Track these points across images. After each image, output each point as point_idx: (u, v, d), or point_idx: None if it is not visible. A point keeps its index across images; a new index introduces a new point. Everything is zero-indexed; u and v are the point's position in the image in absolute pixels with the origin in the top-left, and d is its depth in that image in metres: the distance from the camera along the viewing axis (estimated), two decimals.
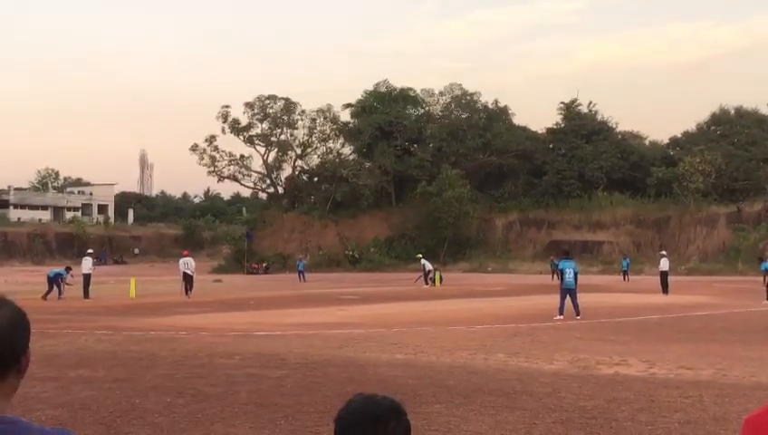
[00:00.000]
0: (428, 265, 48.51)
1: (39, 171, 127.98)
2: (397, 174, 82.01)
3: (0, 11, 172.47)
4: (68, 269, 35.87)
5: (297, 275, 56.85)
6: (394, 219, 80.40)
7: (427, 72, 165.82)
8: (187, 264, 35.74)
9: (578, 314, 23.23)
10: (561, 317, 23.16)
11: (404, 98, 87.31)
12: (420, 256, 52.45)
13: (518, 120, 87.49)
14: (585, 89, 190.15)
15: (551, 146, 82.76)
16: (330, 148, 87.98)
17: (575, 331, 19.86)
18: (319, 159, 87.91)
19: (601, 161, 77.68)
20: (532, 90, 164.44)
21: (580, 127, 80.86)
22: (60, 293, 33.79)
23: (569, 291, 23.79)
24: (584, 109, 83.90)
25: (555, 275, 50.62)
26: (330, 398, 10.19)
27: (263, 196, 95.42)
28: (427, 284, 46.73)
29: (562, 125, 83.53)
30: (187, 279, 35.26)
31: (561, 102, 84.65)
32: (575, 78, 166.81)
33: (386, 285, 46.73)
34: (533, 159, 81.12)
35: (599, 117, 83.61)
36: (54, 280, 34.22)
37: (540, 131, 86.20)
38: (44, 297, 33.00)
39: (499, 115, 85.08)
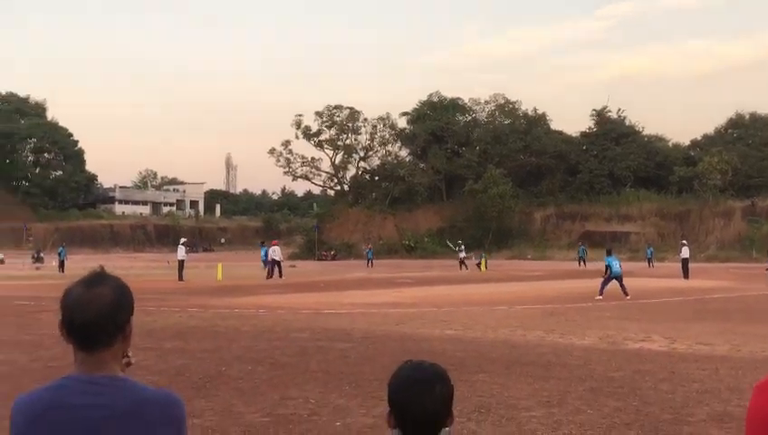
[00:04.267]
0: (463, 253, 49.06)
1: (140, 172, 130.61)
2: (447, 173, 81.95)
3: (108, 33, 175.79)
4: (262, 244, 37.25)
5: (366, 262, 57.10)
6: (445, 213, 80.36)
7: (473, 83, 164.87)
8: (276, 251, 36.56)
9: (627, 295, 23.13)
10: (601, 297, 23.13)
11: (453, 106, 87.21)
12: (461, 242, 52.72)
13: (555, 125, 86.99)
14: (615, 97, 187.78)
15: (584, 148, 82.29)
16: (389, 151, 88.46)
17: (605, 311, 19.60)
18: (379, 161, 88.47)
19: (629, 161, 77.08)
20: (568, 98, 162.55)
21: (611, 131, 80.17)
22: (271, 273, 35.47)
23: (617, 277, 23.83)
24: (614, 115, 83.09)
25: (582, 262, 50.97)
26: (388, 367, 10.17)
27: (331, 193, 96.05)
28: (461, 268, 46.72)
29: (594, 129, 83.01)
30: (277, 265, 36.03)
31: (594, 109, 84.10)
32: (606, 87, 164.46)
33: (437, 271, 46.60)
34: (568, 159, 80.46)
35: (627, 122, 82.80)
36: (268, 261, 36.02)
37: (574, 135, 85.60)
38: (269, 276, 35.06)
39: (538, 121, 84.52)
